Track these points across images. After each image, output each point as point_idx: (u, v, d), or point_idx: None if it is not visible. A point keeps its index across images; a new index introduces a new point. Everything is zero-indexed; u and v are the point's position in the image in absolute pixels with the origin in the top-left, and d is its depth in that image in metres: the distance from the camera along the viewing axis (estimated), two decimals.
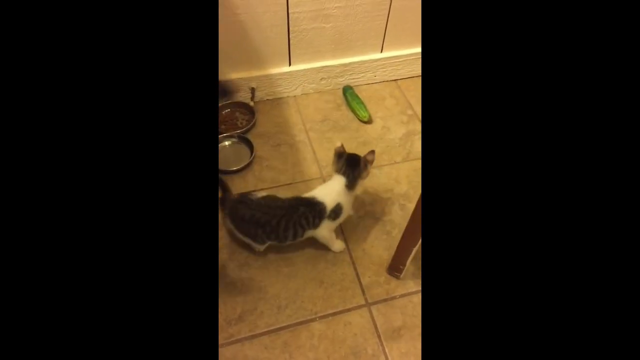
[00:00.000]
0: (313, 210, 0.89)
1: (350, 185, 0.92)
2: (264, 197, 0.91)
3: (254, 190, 0.94)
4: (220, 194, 0.98)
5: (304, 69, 1.35)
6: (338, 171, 0.93)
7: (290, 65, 1.34)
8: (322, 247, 1.01)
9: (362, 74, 1.43)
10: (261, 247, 0.94)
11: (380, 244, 1.03)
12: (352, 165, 0.92)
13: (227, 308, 0.90)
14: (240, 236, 0.93)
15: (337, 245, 0.99)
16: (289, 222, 0.88)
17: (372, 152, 0.93)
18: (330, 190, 0.92)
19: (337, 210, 0.91)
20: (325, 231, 0.94)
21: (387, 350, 0.85)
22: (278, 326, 0.88)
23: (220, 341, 0.85)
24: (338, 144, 0.94)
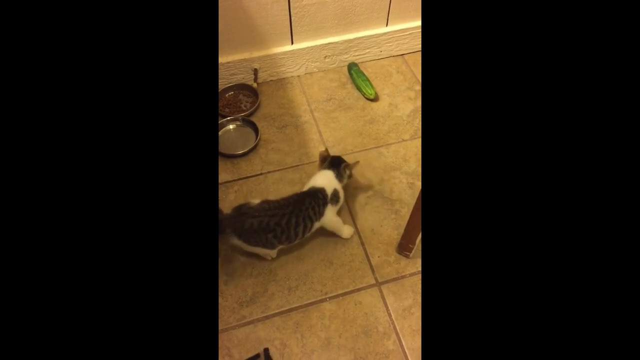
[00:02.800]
0: (317, 199, 0.90)
1: (339, 177, 0.96)
2: (262, 202, 0.88)
3: (246, 202, 0.89)
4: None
5: (307, 47, 1.31)
6: (321, 169, 0.98)
7: (292, 43, 1.30)
8: (330, 232, 1.01)
9: (368, 50, 1.39)
10: (274, 253, 0.93)
11: (389, 223, 1.02)
12: (335, 165, 0.97)
13: (239, 290, 0.91)
14: (250, 248, 0.90)
15: (347, 230, 0.98)
16: (299, 217, 0.87)
17: (357, 162, 0.99)
18: (324, 179, 0.95)
19: (336, 195, 0.94)
20: (331, 216, 0.94)
21: (398, 328, 0.86)
22: (289, 307, 0.88)
23: (233, 323, 0.86)
24: (322, 149, 1.02)
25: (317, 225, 0.92)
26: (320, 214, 0.91)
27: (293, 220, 0.86)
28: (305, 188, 0.94)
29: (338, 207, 0.96)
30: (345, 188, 1.09)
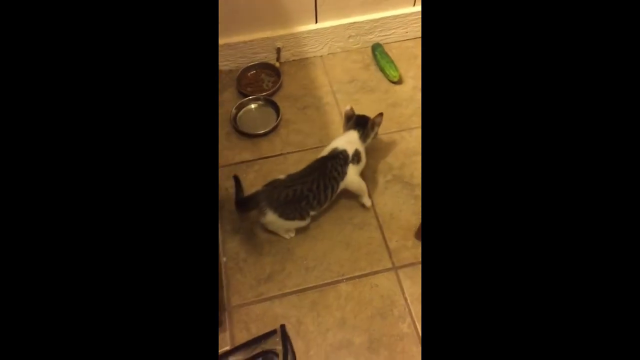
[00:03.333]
0: (338, 159, 0.93)
1: (363, 137, 0.98)
2: (289, 175, 0.92)
3: (274, 179, 0.91)
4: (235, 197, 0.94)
5: (331, 26, 1.28)
6: (348, 129, 0.99)
7: (316, 22, 1.27)
8: (348, 210, 1.01)
9: (393, 31, 1.35)
10: (306, 222, 0.94)
11: (409, 208, 1.01)
12: (360, 125, 0.99)
13: (257, 267, 0.93)
14: (282, 223, 0.90)
15: (367, 198, 1.01)
16: (325, 179, 0.90)
17: (381, 114, 0.99)
18: (346, 140, 0.97)
19: (357, 155, 0.96)
20: (354, 176, 0.96)
21: (413, 312, 0.86)
22: (306, 286, 0.90)
23: (251, 299, 0.88)
24: (347, 107, 1.01)
25: (342, 185, 0.94)
26: (343, 174, 0.93)
27: (322, 183, 0.90)
28: (326, 150, 0.96)
29: (360, 167, 0.98)
30: (365, 171, 1.08)
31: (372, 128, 0.99)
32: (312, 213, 0.93)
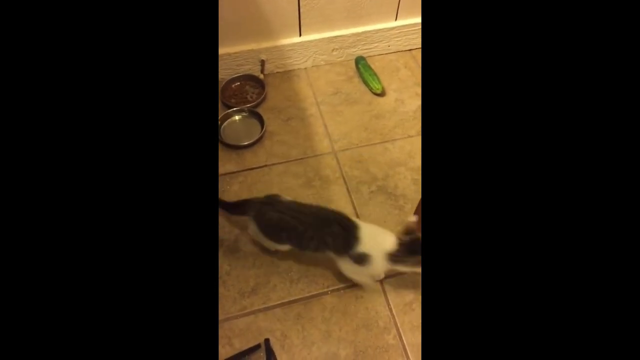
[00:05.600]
0: (340, 237, 0.79)
1: (395, 259, 0.78)
2: (292, 202, 0.85)
3: (278, 195, 0.87)
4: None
5: (315, 39, 1.30)
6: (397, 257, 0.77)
7: (300, 35, 1.29)
8: None
9: (376, 44, 1.38)
10: (285, 248, 0.87)
11: (393, 218, 1.02)
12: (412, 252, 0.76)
13: (241, 281, 0.91)
14: (262, 239, 0.88)
15: (370, 286, 0.89)
16: (316, 233, 0.80)
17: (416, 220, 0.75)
18: (381, 240, 0.79)
19: (364, 258, 0.78)
20: (346, 267, 0.83)
21: (398, 323, 0.86)
22: (291, 299, 0.89)
23: (235, 313, 0.87)
24: (412, 219, 0.76)
25: (331, 256, 0.83)
26: (337, 251, 0.81)
27: (310, 233, 0.80)
28: (364, 228, 0.80)
29: (364, 272, 0.81)
30: (349, 182, 1.09)
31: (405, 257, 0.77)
32: (289, 246, 0.86)
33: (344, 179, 1.10)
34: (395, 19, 1.34)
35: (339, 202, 1.05)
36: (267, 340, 0.82)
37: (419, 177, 1.10)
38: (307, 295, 0.89)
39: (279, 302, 0.88)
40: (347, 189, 1.07)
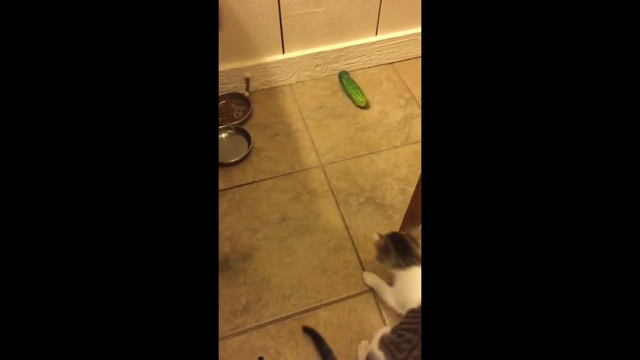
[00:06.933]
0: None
1: (408, 255, 0.79)
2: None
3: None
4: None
5: (299, 56, 1.32)
6: (400, 266, 0.79)
7: (284, 52, 1.31)
8: (323, 233, 1.01)
9: (358, 59, 1.41)
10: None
11: (382, 229, 1.03)
12: (402, 249, 0.79)
13: (232, 299, 0.90)
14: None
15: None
16: None
17: (418, 226, 0.79)
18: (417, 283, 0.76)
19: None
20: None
21: None
22: (283, 315, 0.88)
23: (227, 332, 0.85)
24: (375, 237, 0.82)
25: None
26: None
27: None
28: (412, 305, 0.74)
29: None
30: (337, 194, 1.10)
31: (417, 244, 0.79)
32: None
33: (332, 191, 1.10)
34: (376, 34, 1.38)
35: (328, 215, 1.05)
36: (261, 359, 0.81)
37: (405, 187, 1.12)
38: (300, 310, 0.89)
39: (271, 319, 0.88)
40: (336, 201, 1.08)
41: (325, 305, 0.90)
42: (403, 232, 0.83)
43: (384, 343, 0.71)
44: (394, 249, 0.79)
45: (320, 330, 0.86)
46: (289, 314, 0.88)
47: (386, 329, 0.75)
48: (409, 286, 0.76)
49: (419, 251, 0.78)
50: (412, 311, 0.74)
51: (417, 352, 0.65)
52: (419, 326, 0.67)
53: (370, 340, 0.79)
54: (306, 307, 0.89)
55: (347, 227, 1.03)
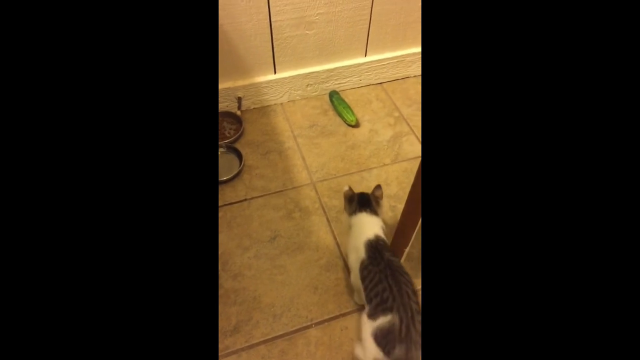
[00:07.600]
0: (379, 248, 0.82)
1: (375, 212, 0.88)
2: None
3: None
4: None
5: (290, 76, 1.35)
6: (354, 212, 0.88)
7: (275, 73, 1.34)
8: (314, 252, 1.01)
9: (348, 79, 1.44)
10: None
11: None
12: (365, 204, 0.88)
13: (222, 319, 0.89)
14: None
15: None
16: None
17: (378, 186, 0.90)
18: (371, 225, 0.86)
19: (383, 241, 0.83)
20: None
21: None
22: (274, 335, 0.87)
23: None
24: (346, 187, 0.91)
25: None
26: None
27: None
28: (361, 239, 0.82)
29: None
30: (328, 212, 1.10)
31: (377, 203, 0.89)
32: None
33: (323, 209, 1.11)
34: (365, 55, 1.42)
35: (319, 232, 1.06)
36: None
37: (395, 204, 1.13)
38: (291, 330, 0.88)
39: (262, 339, 0.86)
40: (327, 218, 1.09)
41: (317, 324, 0.89)
42: (369, 192, 0.91)
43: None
44: (357, 200, 0.89)
45: (311, 349, 0.85)
46: (280, 333, 0.87)
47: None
48: (358, 228, 0.86)
49: (376, 207, 0.89)
50: (364, 268, 0.80)
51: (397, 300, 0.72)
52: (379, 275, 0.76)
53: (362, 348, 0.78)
54: (297, 327, 0.88)
55: (338, 245, 1.03)
